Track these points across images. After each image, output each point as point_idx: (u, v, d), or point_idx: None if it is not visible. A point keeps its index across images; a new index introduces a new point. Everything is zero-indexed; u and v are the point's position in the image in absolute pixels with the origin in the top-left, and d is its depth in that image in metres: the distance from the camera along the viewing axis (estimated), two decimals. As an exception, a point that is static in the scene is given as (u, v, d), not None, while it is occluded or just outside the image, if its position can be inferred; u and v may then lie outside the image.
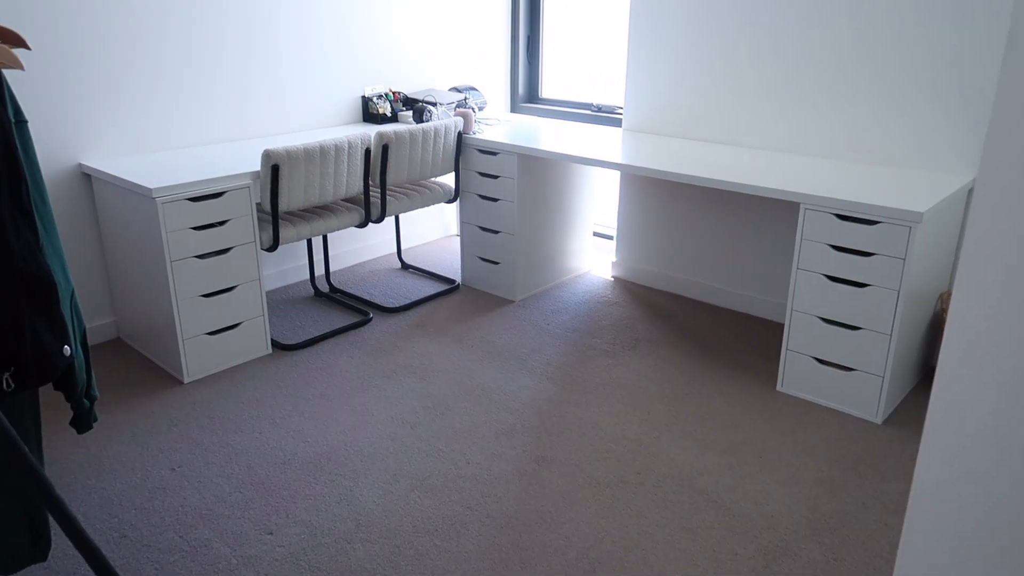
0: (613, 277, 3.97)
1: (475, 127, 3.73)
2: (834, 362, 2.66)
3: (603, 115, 4.09)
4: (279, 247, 3.43)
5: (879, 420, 2.60)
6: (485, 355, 3.05)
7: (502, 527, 2.05)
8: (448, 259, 4.19)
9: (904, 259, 2.41)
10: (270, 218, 2.96)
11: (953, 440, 0.85)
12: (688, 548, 1.96)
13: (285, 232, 2.98)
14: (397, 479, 2.26)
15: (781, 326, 3.38)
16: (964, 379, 0.84)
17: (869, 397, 2.60)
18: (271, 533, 2.02)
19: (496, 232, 3.60)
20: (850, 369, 2.62)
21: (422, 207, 3.66)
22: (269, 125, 3.55)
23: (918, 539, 0.90)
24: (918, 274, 2.51)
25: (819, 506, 2.14)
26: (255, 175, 2.88)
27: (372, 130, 3.57)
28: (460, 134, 3.52)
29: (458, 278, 3.91)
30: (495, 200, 3.54)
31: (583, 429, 2.53)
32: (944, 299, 2.85)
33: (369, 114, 3.87)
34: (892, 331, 2.49)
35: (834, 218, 2.53)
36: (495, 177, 3.51)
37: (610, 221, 4.22)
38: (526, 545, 1.98)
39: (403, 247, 4.35)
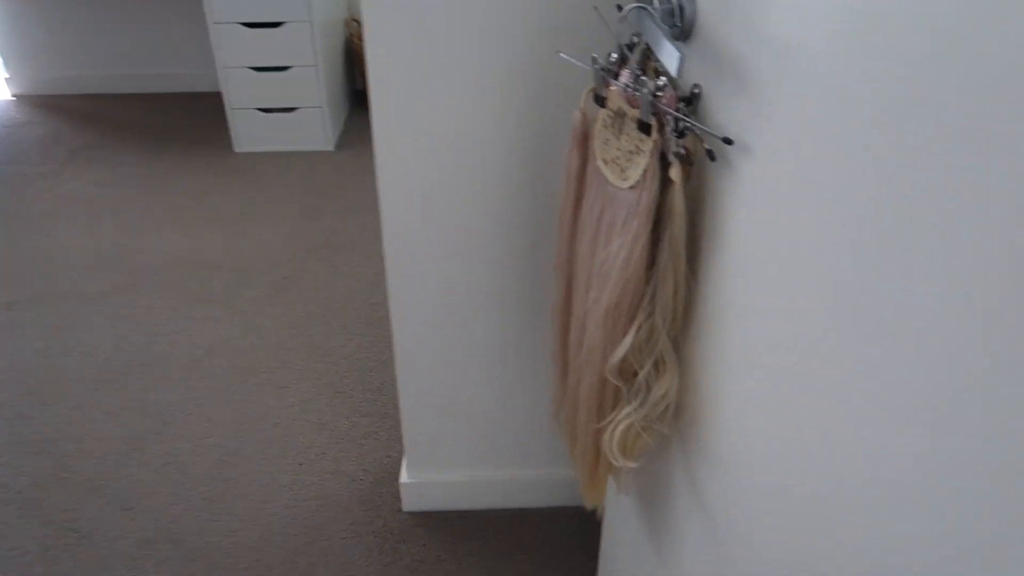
0: (14, 96, 3.35)
1: None
2: (276, 107, 2.77)
3: None
4: None
5: (332, 147, 2.86)
6: None
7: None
8: None
9: (306, -11, 2.53)
10: None
11: (399, 152, 1.03)
12: (219, 316, 2.01)
13: None
14: None
15: (217, 93, 3.33)
16: (393, 98, 0.99)
17: (316, 130, 2.81)
18: None
19: None
20: (292, 109, 2.77)
21: None
22: None
23: (394, 230, 1.10)
24: (324, 3, 2.67)
25: (306, 232, 2.36)
26: None
27: None
28: None
29: None
30: None
31: (53, 255, 2.27)
32: (348, 24, 3.11)
33: None
34: (317, 63, 2.67)
35: (229, -39, 2.49)
36: None
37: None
38: None
39: None
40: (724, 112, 0.63)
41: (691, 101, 0.68)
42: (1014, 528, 0.33)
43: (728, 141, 0.59)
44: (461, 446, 1.37)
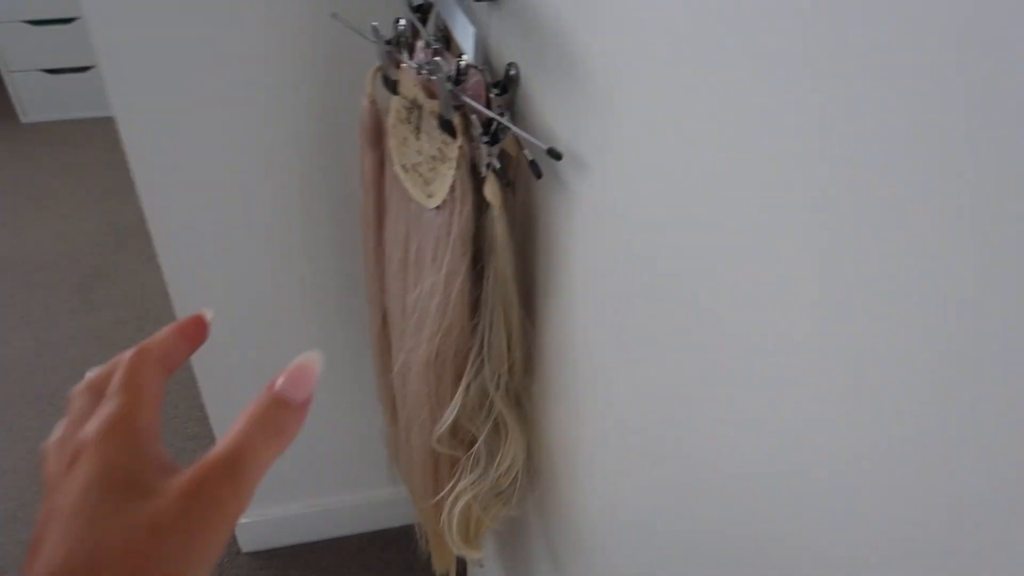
0: None
1: None
2: (65, 67, 2.36)
3: None
4: None
5: (141, 112, 2.49)
6: None
7: None
8: None
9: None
10: None
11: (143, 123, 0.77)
12: (3, 331, 1.68)
13: None
14: None
15: None
16: (120, 59, 0.73)
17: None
18: None
19: None
20: (86, 68, 2.36)
21: None
22: None
23: (171, 251, 0.86)
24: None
25: (114, 217, 2.02)
26: None
27: None
28: None
29: None
30: None
31: None
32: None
33: None
34: (107, 12, 2.27)
35: None
36: None
37: None
38: None
39: None
40: (550, 101, 0.44)
41: (506, 87, 0.48)
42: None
43: (555, 155, 0.41)
44: (295, 475, 1.17)
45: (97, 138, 2.36)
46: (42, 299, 1.75)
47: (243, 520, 1.20)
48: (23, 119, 2.42)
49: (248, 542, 1.23)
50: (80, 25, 2.27)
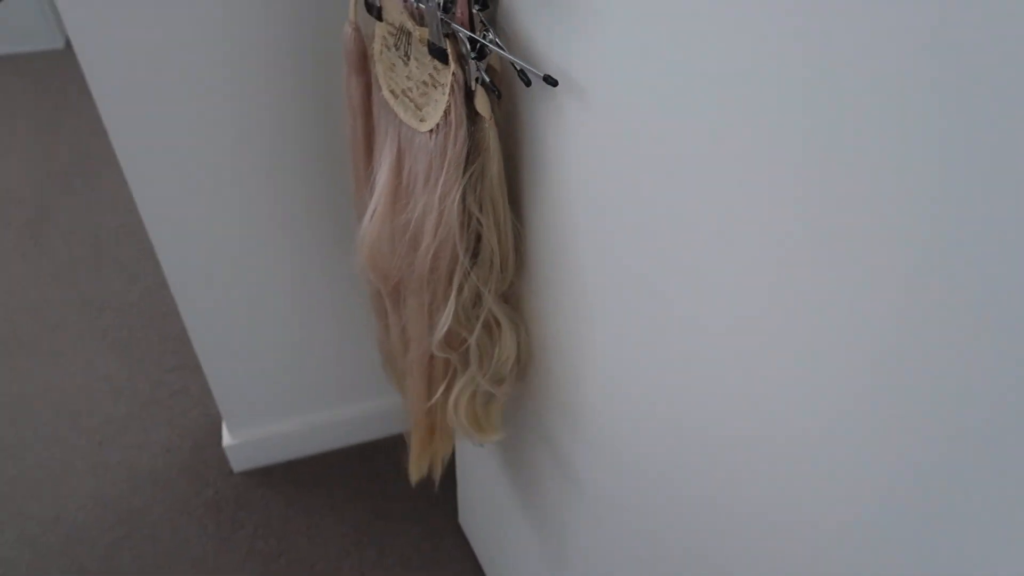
0: None
1: None
2: (-24, -2, 2.23)
3: None
4: None
5: (62, 44, 2.37)
6: None
7: None
8: None
9: None
10: None
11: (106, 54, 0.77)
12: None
13: None
14: None
15: None
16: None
17: (37, 23, 2.30)
18: None
19: None
20: (-2, -1, 2.24)
21: None
22: None
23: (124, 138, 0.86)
24: None
25: (50, 156, 1.96)
26: None
27: None
28: None
29: None
30: None
31: None
32: None
33: None
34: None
35: None
36: None
37: None
38: None
39: None
40: (530, 15, 0.48)
41: (487, 3, 0.52)
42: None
43: (551, 81, 0.45)
44: (281, 392, 1.22)
45: (20, 75, 2.25)
46: (-10, 243, 1.72)
47: (233, 441, 1.25)
48: (-66, 56, 2.30)
49: (239, 461, 1.29)
50: (-14, -49, 2.14)
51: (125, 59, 0.79)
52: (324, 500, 1.27)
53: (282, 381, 1.21)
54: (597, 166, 0.47)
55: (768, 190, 0.33)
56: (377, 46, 0.60)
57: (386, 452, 1.34)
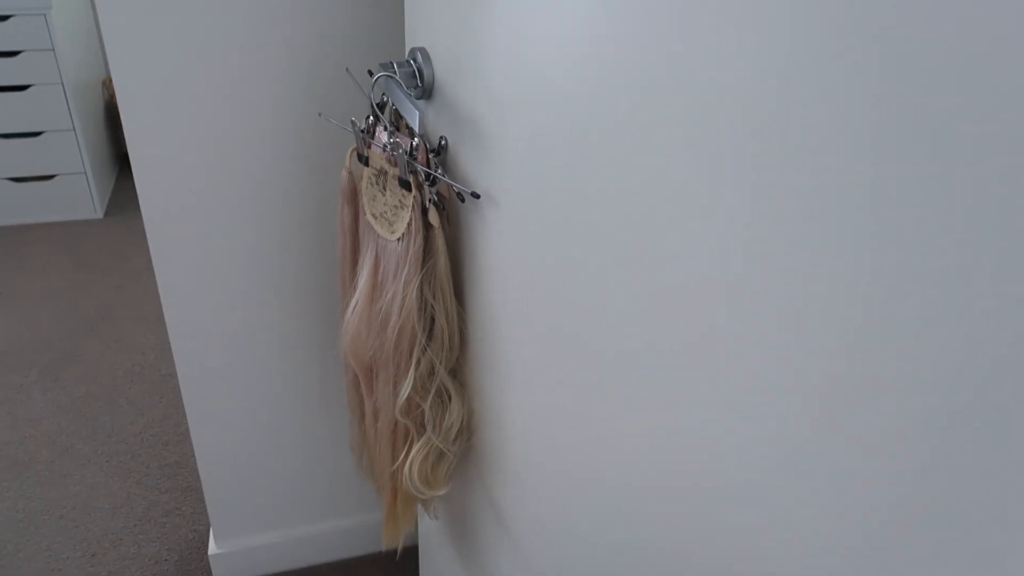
0: None
1: None
2: (31, 175, 2.56)
3: None
4: None
5: (101, 215, 2.69)
6: None
7: None
8: None
9: (53, 50, 2.37)
10: None
11: (168, 216, 1.02)
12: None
13: None
14: None
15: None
16: (153, 158, 0.98)
17: (82, 197, 2.63)
18: None
19: None
20: (51, 176, 2.58)
21: None
22: None
23: (171, 291, 1.09)
24: (74, 64, 2.52)
25: (79, 308, 2.20)
26: None
27: None
28: None
29: None
30: None
31: None
32: (108, 85, 2.95)
33: None
34: (75, 126, 2.51)
35: (-42, 22, 2.29)
36: None
37: None
38: None
39: None
40: (466, 158, 0.71)
41: (439, 152, 0.76)
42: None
43: (476, 195, 0.68)
44: (270, 505, 1.36)
45: (61, 240, 2.55)
46: (15, 380, 1.90)
47: (217, 551, 1.36)
48: (-14, 224, 2.60)
49: (222, 573, 1.39)
50: (45, 137, 2.50)
51: (180, 224, 1.03)
52: (298, 612, 1.36)
53: (273, 493, 1.34)
54: (507, 254, 0.68)
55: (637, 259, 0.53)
56: (364, 184, 0.83)
57: (363, 569, 1.44)
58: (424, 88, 0.78)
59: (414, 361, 0.81)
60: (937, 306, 0.25)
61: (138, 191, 1.01)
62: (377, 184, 0.81)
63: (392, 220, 0.79)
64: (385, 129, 0.78)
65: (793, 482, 0.33)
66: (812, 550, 0.33)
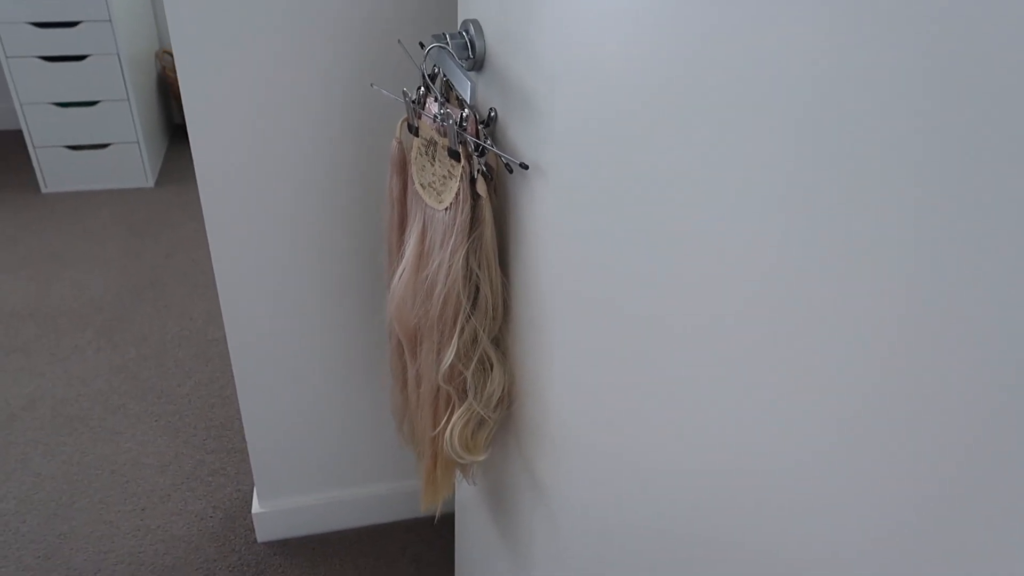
0: None
1: None
2: (87, 144, 2.64)
3: None
4: None
5: (152, 184, 2.76)
6: None
7: None
8: None
9: (111, 21, 2.43)
10: None
11: (223, 184, 1.05)
12: (37, 366, 1.89)
13: None
14: None
15: (16, 131, 3.11)
16: (209, 127, 1.01)
17: (134, 166, 2.70)
18: None
19: None
20: (105, 145, 2.65)
21: None
22: None
23: (224, 261, 1.12)
24: (130, 36, 2.58)
25: (130, 273, 2.26)
26: None
27: None
28: None
29: None
30: None
31: None
32: (161, 57, 3.01)
33: None
34: (128, 97, 2.57)
35: (21, -8, 2.35)
36: None
37: None
38: None
39: None
40: (514, 130, 0.73)
41: (488, 123, 0.77)
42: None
43: (524, 166, 0.69)
44: (311, 468, 1.40)
45: (113, 207, 2.62)
46: (69, 341, 1.97)
47: (260, 510, 1.41)
48: (44, 190, 2.68)
49: (264, 531, 1.43)
50: (101, 107, 2.57)
51: (233, 192, 1.06)
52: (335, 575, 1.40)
53: (316, 457, 1.39)
54: (553, 225, 0.69)
55: (684, 236, 0.54)
56: (414, 154, 0.85)
57: (400, 535, 1.47)
58: (475, 60, 0.79)
59: (458, 329, 0.83)
60: (987, 304, 0.25)
61: (194, 158, 1.04)
62: (427, 154, 0.82)
63: (440, 190, 0.80)
64: (436, 100, 0.79)
65: (843, 469, 0.33)
66: (852, 541, 0.33)
